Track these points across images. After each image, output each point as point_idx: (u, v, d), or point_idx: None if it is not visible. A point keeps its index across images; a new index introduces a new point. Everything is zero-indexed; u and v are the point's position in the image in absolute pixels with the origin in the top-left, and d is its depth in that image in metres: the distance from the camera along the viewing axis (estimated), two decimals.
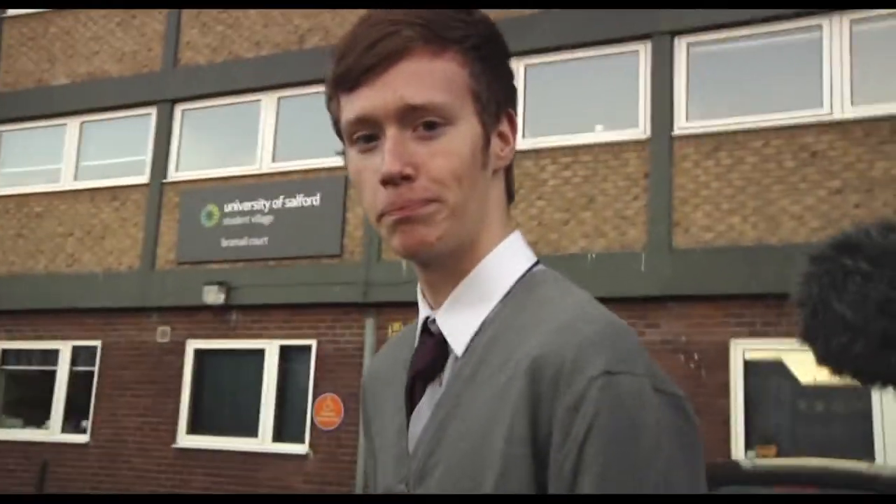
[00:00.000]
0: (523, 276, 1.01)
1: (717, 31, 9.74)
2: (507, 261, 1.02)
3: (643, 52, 10.01)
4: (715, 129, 9.47)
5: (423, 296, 1.06)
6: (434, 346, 1.02)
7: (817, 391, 8.93)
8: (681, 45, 9.83)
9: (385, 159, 0.92)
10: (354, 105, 0.95)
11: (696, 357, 9.03)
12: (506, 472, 0.87)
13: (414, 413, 1.02)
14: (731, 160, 9.34)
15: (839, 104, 9.11)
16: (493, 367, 0.94)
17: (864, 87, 9.11)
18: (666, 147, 9.61)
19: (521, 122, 8.79)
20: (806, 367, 8.97)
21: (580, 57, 10.32)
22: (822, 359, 0.58)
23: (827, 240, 0.60)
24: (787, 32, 9.52)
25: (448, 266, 1.01)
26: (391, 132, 0.93)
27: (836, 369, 0.69)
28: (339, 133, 1.02)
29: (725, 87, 9.79)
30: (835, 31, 9.28)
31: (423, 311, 1.05)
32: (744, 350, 8.93)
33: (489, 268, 1.00)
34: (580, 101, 10.41)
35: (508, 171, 1.07)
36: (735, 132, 9.38)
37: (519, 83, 9.20)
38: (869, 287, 0.55)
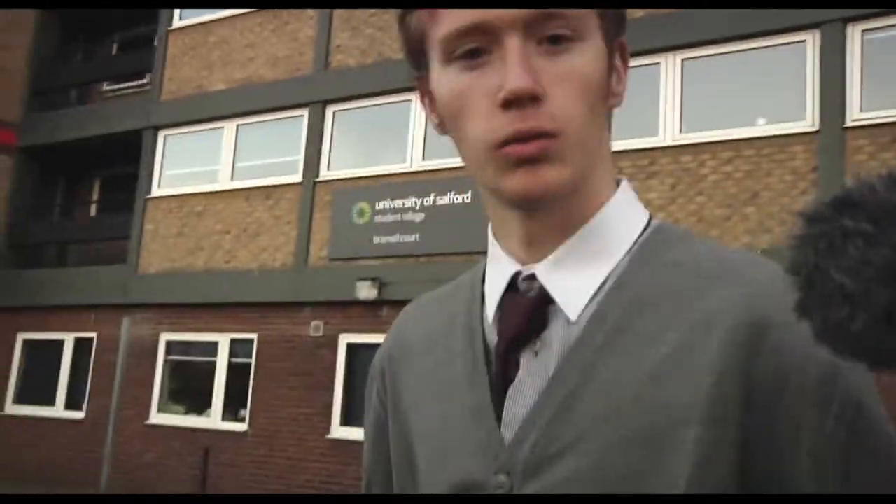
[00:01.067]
0: (645, 229, 0.83)
1: (893, 16, 8.95)
2: (628, 212, 0.84)
3: (811, 42, 9.31)
4: (894, 119, 8.69)
5: (505, 247, 0.85)
6: (530, 306, 0.81)
7: None
8: (854, 33, 9.10)
9: (512, 74, 0.73)
10: (464, 11, 0.75)
11: None
12: (707, 459, 0.70)
13: (511, 389, 0.80)
14: None
15: None
16: (647, 336, 0.76)
17: None
18: (837, 139, 8.89)
19: (678, 118, 8.27)
20: None
21: (741, 49, 9.69)
22: (819, 336, 0.48)
23: (825, 198, 0.51)
24: None
25: (560, 213, 0.81)
26: (514, 43, 0.74)
27: (835, 348, 0.55)
28: (415, 52, 0.84)
29: None
30: None
31: (509, 266, 0.84)
32: None
33: (610, 218, 0.82)
34: (740, 94, 9.77)
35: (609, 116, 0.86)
36: None
37: (676, 77, 8.70)
38: (871, 251, 0.45)
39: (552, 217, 0.81)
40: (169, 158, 14.34)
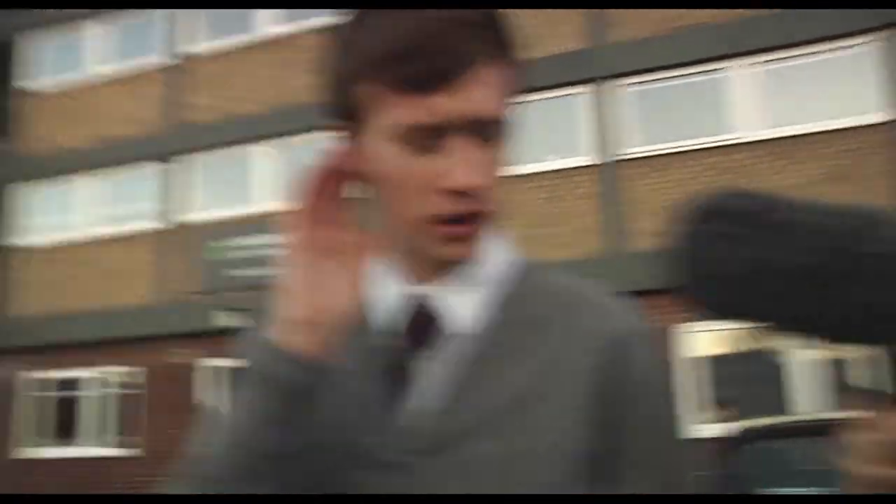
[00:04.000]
0: (512, 264, 0.93)
1: (643, 74, 10.09)
2: (499, 250, 0.92)
3: (584, 94, 10.33)
4: (651, 153, 9.80)
5: (401, 270, 0.90)
6: (425, 320, 0.88)
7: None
8: (616, 89, 10.18)
9: (462, 171, 0.79)
10: (419, 110, 0.78)
11: None
12: (564, 435, 0.81)
13: (413, 385, 0.86)
14: None
15: None
16: (521, 348, 0.86)
17: None
18: (611, 169, 9.91)
19: None
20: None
21: (534, 99, 10.63)
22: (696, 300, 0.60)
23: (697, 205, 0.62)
24: None
25: None
26: (461, 141, 0.80)
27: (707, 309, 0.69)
28: (345, 109, 0.84)
29: None
30: None
31: (404, 285, 0.90)
32: None
33: (486, 256, 0.90)
34: (536, 134, 10.68)
35: None
36: None
37: None
38: (738, 248, 0.56)
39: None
40: (32, 210, 13.78)
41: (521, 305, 0.89)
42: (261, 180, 12.08)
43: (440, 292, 0.88)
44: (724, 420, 8.27)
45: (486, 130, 0.80)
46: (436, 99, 0.78)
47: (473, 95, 0.78)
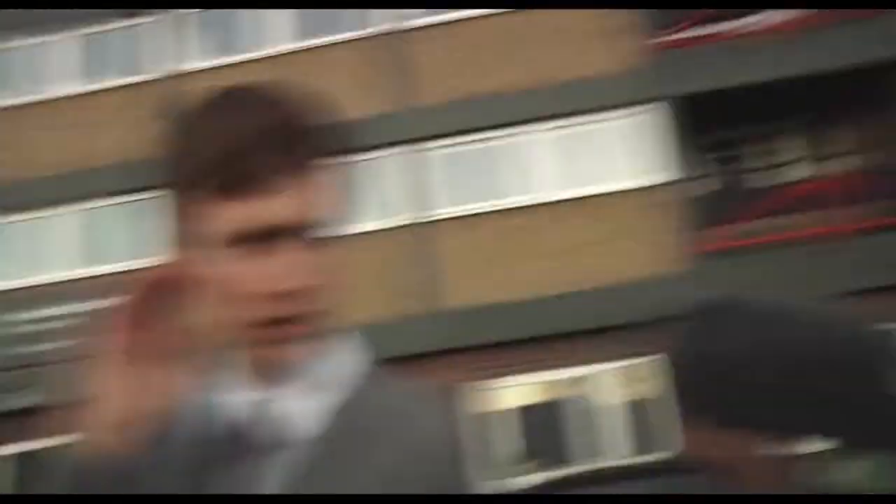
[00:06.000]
0: (356, 368, 0.90)
1: None
2: (342, 353, 0.90)
3: None
4: None
5: (237, 376, 0.87)
6: (269, 424, 0.84)
7: None
8: None
9: (286, 273, 0.79)
10: (238, 215, 0.77)
11: None
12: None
13: (255, 485, 0.83)
14: None
15: None
16: (359, 459, 0.83)
17: None
18: None
19: None
20: None
21: None
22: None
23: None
24: None
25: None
26: (285, 245, 0.79)
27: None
28: (180, 186, 0.81)
29: None
30: None
31: (235, 391, 0.86)
32: None
33: (325, 360, 0.88)
34: None
35: None
36: None
37: None
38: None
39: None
40: None
41: (356, 414, 0.86)
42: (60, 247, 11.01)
43: (277, 397, 0.85)
44: (530, 472, 8.22)
45: (307, 234, 0.79)
46: (250, 205, 0.76)
47: (283, 202, 0.77)
